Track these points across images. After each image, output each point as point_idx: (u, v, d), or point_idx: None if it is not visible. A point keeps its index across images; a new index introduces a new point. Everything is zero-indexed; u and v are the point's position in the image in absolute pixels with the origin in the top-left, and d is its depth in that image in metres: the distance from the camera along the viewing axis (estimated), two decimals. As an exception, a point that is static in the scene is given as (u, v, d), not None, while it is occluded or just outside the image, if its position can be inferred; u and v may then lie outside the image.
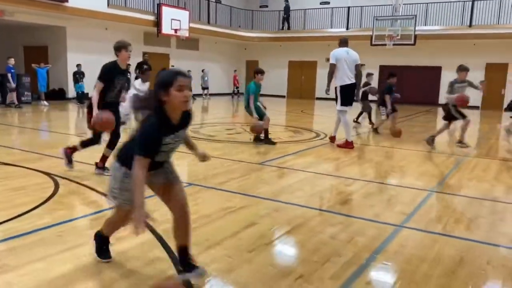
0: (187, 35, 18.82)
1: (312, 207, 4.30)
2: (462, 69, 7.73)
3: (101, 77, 4.95)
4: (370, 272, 2.92)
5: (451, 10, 19.15)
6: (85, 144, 5.28)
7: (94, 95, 4.97)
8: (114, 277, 2.70)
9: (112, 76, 4.99)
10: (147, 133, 2.28)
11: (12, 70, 13.30)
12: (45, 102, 14.47)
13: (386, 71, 19.14)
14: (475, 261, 3.09)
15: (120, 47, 5.03)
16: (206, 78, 20.43)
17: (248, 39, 23.85)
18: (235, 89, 23.38)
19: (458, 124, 8.37)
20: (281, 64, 24.81)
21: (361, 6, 20.89)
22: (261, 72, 7.94)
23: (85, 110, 5.30)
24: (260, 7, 25.28)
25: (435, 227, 3.84)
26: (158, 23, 17.71)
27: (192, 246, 2.77)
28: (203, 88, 20.50)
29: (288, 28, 23.22)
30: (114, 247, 3.00)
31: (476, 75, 19.76)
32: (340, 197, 4.80)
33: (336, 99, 7.93)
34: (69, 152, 5.27)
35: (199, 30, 20.29)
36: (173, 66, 21.14)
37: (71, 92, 16.25)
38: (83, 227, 3.61)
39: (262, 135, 8.03)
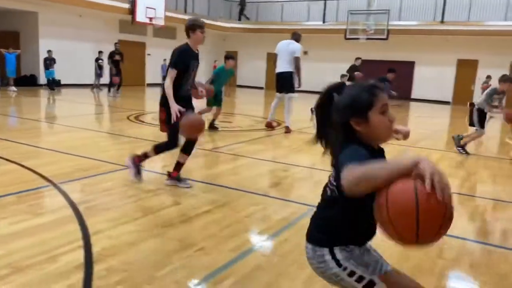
0: (162, 23, 18.77)
1: (241, 189, 4.47)
2: (506, 79, 6.76)
3: (176, 63, 4.04)
4: (269, 244, 3.11)
5: (425, 5, 19.43)
6: (160, 148, 4.30)
7: (167, 86, 4.03)
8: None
9: (188, 62, 4.11)
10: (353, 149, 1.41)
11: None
12: (14, 88, 14.35)
13: (363, 66, 19.46)
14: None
15: (194, 26, 4.14)
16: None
17: (227, 29, 23.86)
18: (213, 79, 23.45)
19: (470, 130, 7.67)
20: (260, 56, 24.89)
21: (338, 0, 21.06)
22: (232, 57, 8.11)
23: (158, 108, 4.35)
24: (239, -3, 25.27)
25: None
26: (132, 11, 17.63)
27: (107, 221, 2.90)
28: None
29: (247, 18, 23.25)
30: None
31: (447, 71, 20.24)
32: (272, 181, 4.99)
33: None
34: (138, 161, 4.30)
35: (175, 19, 20.20)
36: (149, 54, 21.13)
37: (43, 78, 16.12)
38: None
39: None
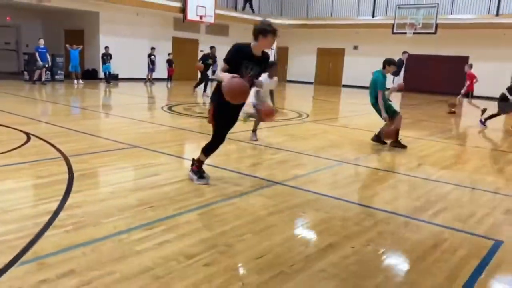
0: (212, 21, 19.72)
1: (221, 167, 5.07)
2: None
3: (225, 58, 4.00)
4: (204, 208, 3.71)
5: (479, -2, 18.67)
6: (209, 149, 4.33)
7: (217, 73, 4.03)
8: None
9: (240, 61, 3.97)
10: None
11: (39, 50, 14.82)
12: (81, 81, 15.88)
13: (412, 60, 19.16)
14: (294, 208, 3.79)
15: (266, 32, 3.93)
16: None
17: (277, 26, 24.36)
18: (262, 74, 24.08)
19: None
20: (310, 51, 25.16)
21: (388, -6, 20.79)
22: (394, 63, 6.75)
23: (208, 104, 4.40)
24: (293, -6, 25.66)
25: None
26: (184, 9, 18.75)
27: (91, 184, 3.66)
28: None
29: (252, 10, 22.55)
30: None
31: (505, 67, 19.26)
32: (253, 161, 5.53)
33: None
34: (197, 168, 4.36)
35: (226, 16, 21.12)
36: (202, 51, 22.22)
37: (102, 72, 17.73)
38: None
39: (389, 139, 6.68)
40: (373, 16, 21.34)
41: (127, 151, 5.62)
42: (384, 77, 6.66)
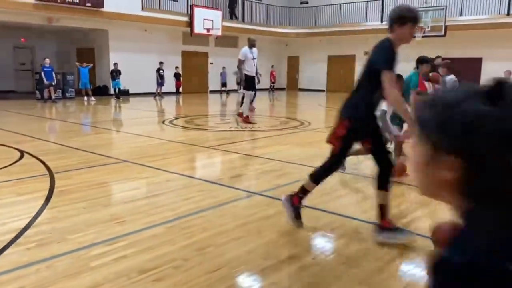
0: (219, 34, 19.90)
1: (202, 178, 5.06)
2: None
3: (388, 62, 2.99)
4: (173, 222, 3.68)
5: (489, -2, 18.33)
6: (320, 176, 3.47)
7: (395, 96, 3.01)
8: None
9: (394, 62, 3.03)
10: None
11: (45, 69, 15.19)
12: (93, 98, 16.10)
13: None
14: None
15: (404, 19, 3.01)
16: (239, 74, 21.40)
17: (286, 35, 24.45)
18: (271, 85, 24.09)
19: None
20: (321, 59, 25.10)
21: (396, -2, 20.60)
22: (427, 61, 6.11)
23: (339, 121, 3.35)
24: (301, 3, 25.72)
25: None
26: (191, 23, 18.98)
27: (67, 200, 3.70)
28: (238, 84, 21.47)
29: (236, 18, 22.13)
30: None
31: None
32: (238, 172, 5.49)
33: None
34: (297, 202, 3.45)
35: (234, 28, 21.30)
36: (211, 63, 22.45)
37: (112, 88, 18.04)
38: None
39: None
40: (381, 21, 21.15)
41: (115, 166, 5.66)
42: (417, 77, 5.85)
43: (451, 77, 11.77)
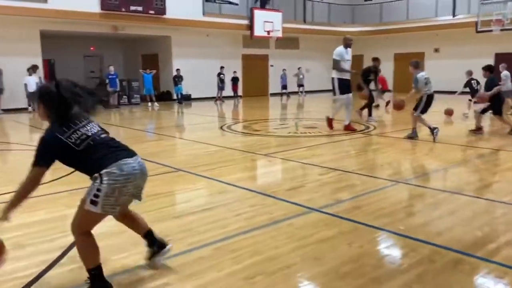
0: (280, 35, 19.59)
1: (256, 190, 4.74)
2: None
3: None
4: (222, 242, 3.38)
5: None
6: None
7: None
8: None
9: None
10: None
11: (109, 76, 15.70)
12: (156, 104, 16.44)
13: (502, 60, 17.32)
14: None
15: None
16: (301, 76, 20.94)
17: (350, 34, 23.59)
18: (334, 86, 23.38)
19: None
20: (387, 57, 23.93)
21: (469, -10, 19.11)
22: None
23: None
24: (365, 0, 24.75)
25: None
26: (251, 26, 18.84)
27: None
28: (299, 86, 21.05)
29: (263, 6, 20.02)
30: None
31: None
32: (295, 184, 5.09)
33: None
34: None
35: (295, 29, 20.90)
36: (272, 66, 22.19)
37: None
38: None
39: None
40: (453, 16, 19.76)
41: (169, 176, 5.52)
42: None
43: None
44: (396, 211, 4.05)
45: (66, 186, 5.02)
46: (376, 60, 12.07)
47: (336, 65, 8.83)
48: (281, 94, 20.86)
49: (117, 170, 2.52)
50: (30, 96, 14.03)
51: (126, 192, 2.61)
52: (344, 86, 8.89)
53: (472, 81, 10.58)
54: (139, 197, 2.85)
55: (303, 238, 3.40)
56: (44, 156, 2.49)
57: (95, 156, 2.56)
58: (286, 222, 3.77)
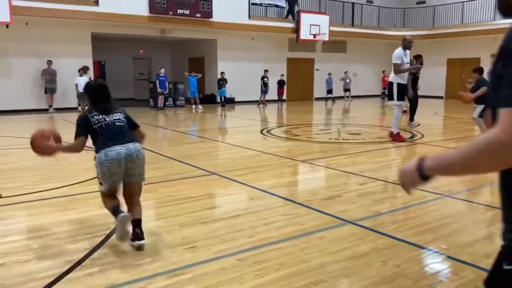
0: (326, 39, 19.24)
1: (290, 199, 4.54)
2: None
3: None
4: (248, 252, 3.21)
5: None
6: None
7: None
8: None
9: None
10: None
11: (160, 78, 15.98)
12: (200, 106, 16.59)
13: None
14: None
15: None
16: (347, 80, 20.44)
17: (399, 38, 22.82)
18: (383, 90, 22.66)
19: None
20: (439, 63, 22.97)
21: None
22: None
23: None
24: (417, 3, 23.88)
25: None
26: (297, 30, 18.63)
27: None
28: (345, 90, 20.57)
29: (293, 18, 19.19)
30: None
31: None
32: (332, 193, 4.83)
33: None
34: None
35: (343, 33, 20.47)
36: (317, 69, 21.84)
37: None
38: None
39: None
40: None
41: (202, 179, 5.43)
42: None
43: None
44: (439, 227, 3.72)
45: (95, 188, 5.04)
46: (419, 57, 11.09)
47: (398, 69, 8.30)
48: (326, 99, 20.48)
49: (103, 155, 3.30)
50: (80, 96, 14.54)
51: (114, 172, 3.32)
52: (402, 92, 8.47)
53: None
54: (135, 177, 3.43)
55: (334, 253, 3.17)
56: (79, 129, 3.42)
57: (99, 139, 3.38)
58: (318, 234, 3.55)
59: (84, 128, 3.40)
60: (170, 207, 4.32)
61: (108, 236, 3.50)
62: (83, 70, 14.71)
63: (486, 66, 20.98)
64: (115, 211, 3.35)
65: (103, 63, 17.40)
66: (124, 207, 3.46)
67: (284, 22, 18.78)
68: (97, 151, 3.34)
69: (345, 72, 20.66)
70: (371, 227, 3.70)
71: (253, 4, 17.91)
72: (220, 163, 6.59)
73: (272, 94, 18.88)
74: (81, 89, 14.48)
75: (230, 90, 17.84)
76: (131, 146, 3.36)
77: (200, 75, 17.12)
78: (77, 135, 3.39)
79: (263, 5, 18.57)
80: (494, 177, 1.22)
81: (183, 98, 17.54)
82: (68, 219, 3.97)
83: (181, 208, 4.25)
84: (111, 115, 3.46)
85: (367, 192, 4.85)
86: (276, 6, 19.01)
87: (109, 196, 3.46)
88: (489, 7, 19.63)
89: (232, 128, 11.93)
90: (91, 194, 4.70)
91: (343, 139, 8.74)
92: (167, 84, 16.26)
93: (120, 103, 18.16)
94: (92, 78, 15.56)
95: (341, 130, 10.01)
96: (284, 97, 19.97)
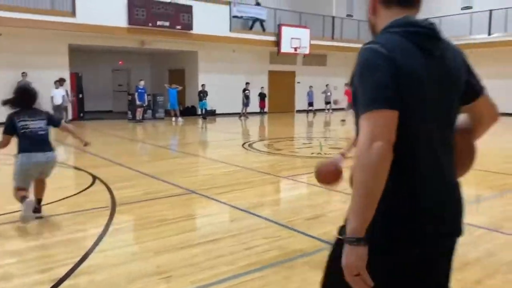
0: (307, 52, 19.30)
1: (271, 219, 4.36)
2: None
3: None
4: (226, 282, 3.01)
5: None
6: None
7: None
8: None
9: None
10: None
11: (139, 90, 15.73)
12: (180, 119, 16.31)
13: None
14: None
15: None
16: (329, 93, 20.49)
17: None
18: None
19: None
20: (417, 76, 23.30)
21: (506, 8, 18.38)
22: None
23: None
24: (396, 17, 24.24)
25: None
26: (278, 43, 18.63)
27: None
28: (326, 103, 20.60)
29: (263, 29, 19.53)
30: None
31: None
32: (316, 212, 4.67)
33: None
34: None
35: (323, 46, 20.58)
36: (298, 82, 21.87)
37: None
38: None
39: None
40: (489, 34, 19.02)
41: (180, 198, 5.21)
42: None
43: None
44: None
45: (68, 208, 4.78)
46: None
47: None
48: (307, 111, 20.48)
49: (25, 159, 4.03)
50: (56, 109, 14.15)
51: (31, 174, 4.11)
52: None
53: None
54: (45, 175, 4.28)
55: (318, 282, 2.99)
56: (5, 129, 4.09)
57: (23, 142, 4.06)
58: (302, 260, 3.37)
59: (9, 128, 4.05)
60: (145, 230, 4.09)
61: (79, 264, 3.25)
62: (59, 82, 14.35)
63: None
64: (22, 199, 3.96)
65: (80, 74, 17.02)
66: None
67: (265, 35, 18.78)
68: (19, 152, 4.04)
69: (327, 85, 20.72)
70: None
71: (234, 16, 17.86)
72: (199, 180, 6.37)
73: (254, 106, 18.78)
74: (56, 102, 14.12)
75: (211, 102, 17.66)
76: (50, 154, 4.15)
77: (180, 87, 16.91)
78: (3, 133, 4.08)
79: (244, 18, 18.54)
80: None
81: (162, 110, 17.27)
82: (36, 245, 3.70)
83: (157, 232, 4.03)
84: (34, 122, 4.12)
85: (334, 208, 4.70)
86: (257, 19, 19.00)
87: (19, 189, 4.06)
88: (466, 22, 20.05)
89: (213, 142, 11.73)
90: (60, 216, 4.44)
91: (325, 153, 8.62)
92: (145, 96, 16.00)
93: (98, 115, 17.83)
94: (69, 90, 15.21)
95: (323, 144, 9.92)
96: (266, 109, 19.88)
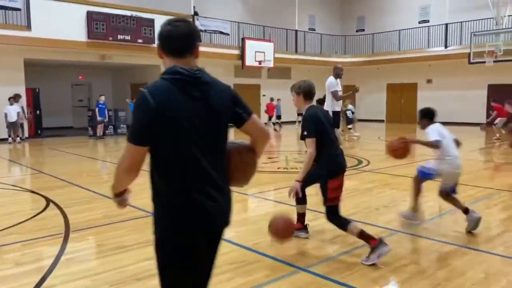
0: (271, 65, 19.35)
1: (233, 242, 4.16)
2: None
3: None
4: None
5: None
6: None
7: None
8: None
9: None
10: None
11: (99, 106, 15.27)
12: None
13: (496, 91, 17.14)
14: None
15: None
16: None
17: (343, 64, 23.49)
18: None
19: None
20: (379, 88, 23.81)
21: (461, 22, 19.10)
22: None
23: None
24: (357, 31, 24.79)
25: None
26: (242, 56, 18.59)
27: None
28: (298, 115, 20.67)
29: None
30: None
31: None
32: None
33: None
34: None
35: (287, 59, 20.71)
36: (264, 95, 21.87)
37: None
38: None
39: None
40: (446, 47, 19.70)
41: (140, 222, 4.92)
42: None
43: None
44: (396, 271, 3.48)
45: (16, 237, 4.42)
46: None
47: (337, 96, 8.20)
48: (273, 124, 20.46)
49: None
50: (10, 126, 13.50)
51: None
52: (337, 120, 8.40)
53: None
54: None
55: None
56: None
57: None
58: (270, 286, 3.19)
59: None
60: (100, 259, 3.81)
61: (20, 305, 2.94)
62: (14, 99, 13.71)
63: (422, 91, 22.00)
64: None
65: (37, 90, 16.36)
66: None
67: (229, 49, 18.70)
68: None
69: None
70: (325, 274, 3.39)
71: (197, 30, 17.71)
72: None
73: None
74: (11, 119, 13.47)
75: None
76: None
77: (142, 102, 16.51)
78: None
79: (207, 31, 18.42)
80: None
81: (124, 126, 16.81)
82: (-26, 282, 3.35)
83: (113, 260, 3.75)
84: None
85: (317, 230, 4.57)
86: (221, 32, 18.93)
87: None
88: (424, 35, 20.71)
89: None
90: (7, 247, 4.09)
91: (291, 168, 8.52)
92: (106, 112, 15.52)
93: (58, 131, 17.15)
94: (25, 107, 14.55)
95: (289, 158, 9.82)
96: (231, 123, 19.73)
